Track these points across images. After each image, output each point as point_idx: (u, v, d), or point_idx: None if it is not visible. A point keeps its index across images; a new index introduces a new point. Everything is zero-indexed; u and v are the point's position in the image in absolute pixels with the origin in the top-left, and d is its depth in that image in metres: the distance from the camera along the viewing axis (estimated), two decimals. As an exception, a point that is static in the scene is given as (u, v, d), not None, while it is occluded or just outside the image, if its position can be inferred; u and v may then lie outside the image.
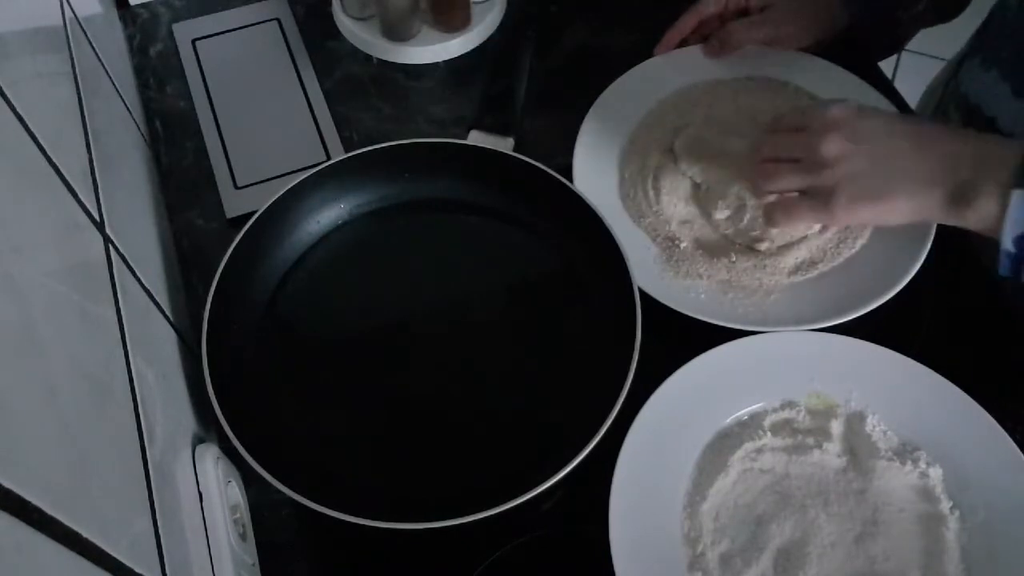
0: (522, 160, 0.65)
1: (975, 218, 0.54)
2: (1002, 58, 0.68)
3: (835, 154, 0.56)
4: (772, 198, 0.62)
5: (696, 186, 0.68)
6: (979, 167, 0.54)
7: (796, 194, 0.60)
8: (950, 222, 0.56)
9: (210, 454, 0.51)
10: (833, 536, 0.53)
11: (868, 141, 0.56)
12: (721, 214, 0.66)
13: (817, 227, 0.65)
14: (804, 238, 0.65)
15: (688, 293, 0.63)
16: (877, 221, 0.59)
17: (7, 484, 0.26)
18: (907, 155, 0.56)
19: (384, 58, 0.82)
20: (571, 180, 0.65)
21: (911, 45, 0.83)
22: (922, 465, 0.55)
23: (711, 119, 0.72)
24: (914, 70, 1.02)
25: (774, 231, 0.64)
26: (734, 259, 0.64)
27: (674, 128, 0.72)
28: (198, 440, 0.53)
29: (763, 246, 0.64)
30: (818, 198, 0.57)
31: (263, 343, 0.61)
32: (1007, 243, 0.53)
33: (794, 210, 0.59)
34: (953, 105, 0.75)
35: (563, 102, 0.75)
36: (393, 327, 0.63)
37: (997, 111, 0.68)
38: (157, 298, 0.57)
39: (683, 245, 0.66)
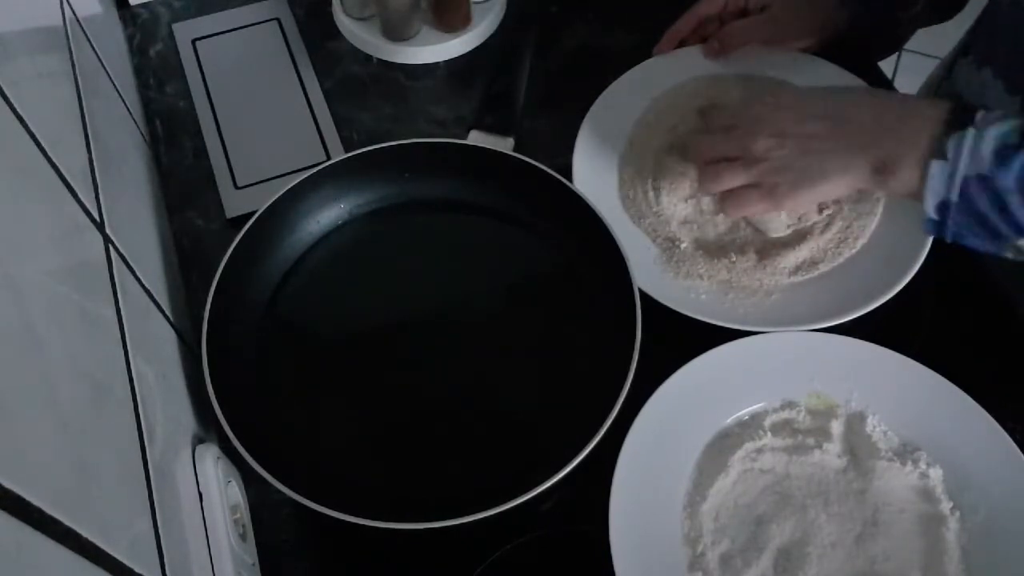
0: (522, 160, 0.65)
1: (899, 187, 0.56)
2: (995, 56, 0.68)
3: (764, 149, 0.60)
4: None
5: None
6: (900, 138, 0.56)
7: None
8: (880, 191, 0.62)
9: (210, 454, 0.51)
10: (833, 536, 0.53)
11: (791, 129, 0.60)
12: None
13: (819, 229, 0.65)
14: (805, 238, 0.65)
15: (688, 293, 0.63)
16: (821, 199, 0.62)
17: (7, 484, 0.26)
18: (830, 135, 0.58)
19: (384, 58, 0.82)
20: (571, 180, 0.65)
21: (910, 45, 0.83)
22: (922, 465, 0.55)
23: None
24: (914, 70, 1.02)
25: (782, 217, 0.66)
26: (734, 259, 0.64)
27: (673, 127, 0.72)
28: (198, 440, 0.53)
29: (774, 231, 0.66)
30: (762, 188, 0.61)
31: (263, 343, 0.61)
32: (929, 211, 0.55)
33: (743, 201, 0.62)
34: None
35: (563, 102, 0.75)
36: (393, 327, 0.63)
37: (991, 108, 0.68)
38: (157, 298, 0.57)
39: (683, 245, 0.66)
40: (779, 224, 0.66)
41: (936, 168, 0.53)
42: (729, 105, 0.71)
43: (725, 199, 0.63)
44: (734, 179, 0.62)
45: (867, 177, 0.57)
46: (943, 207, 0.54)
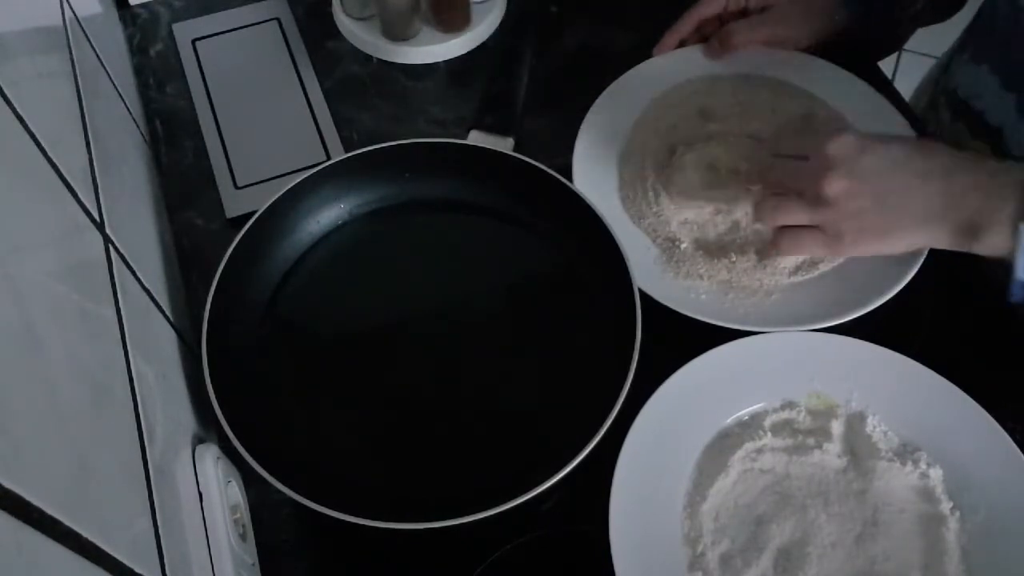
0: (522, 160, 0.65)
1: (985, 250, 0.54)
2: (991, 52, 0.68)
3: (837, 193, 0.56)
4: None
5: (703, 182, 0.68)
6: (986, 199, 0.54)
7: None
8: (965, 249, 0.56)
9: (210, 454, 0.51)
10: (833, 536, 0.53)
11: (871, 178, 0.56)
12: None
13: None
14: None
15: (688, 294, 0.63)
16: (884, 252, 0.59)
17: (7, 484, 0.26)
18: (912, 190, 0.56)
19: (384, 58, 0.82)
20: (571, 180, 0.65)
21: (910, 44, 0.83)
22: (922, 466, 0.55)
23: (712, 130, 0.72)
24: (914, 70, 1.02)
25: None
26: (734, 259, 0.64)
27: (673, 127, 0.72)
28: (198, 440, 0.53)
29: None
30: (826, 233, 0.58)
31: (263, 343, 0.61)
32: (1021, 273, 0.53)
33: (802, 242, 0.59)
34: (944, 100, 0.76)
35: (563, 102, 0.75)
36: (393, 327, 0.63)
37: (987, 105, 0.68)
38: (157, 298, 0.57)
39: (683, 246, 0.66)
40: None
41: None
42: (802, 129, 0.66)
43: (782, 236, 0.60)
44: (796, 217, 0.58)
45: (946, 238, 0.55)
46: None
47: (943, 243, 0.56)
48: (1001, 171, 0.55)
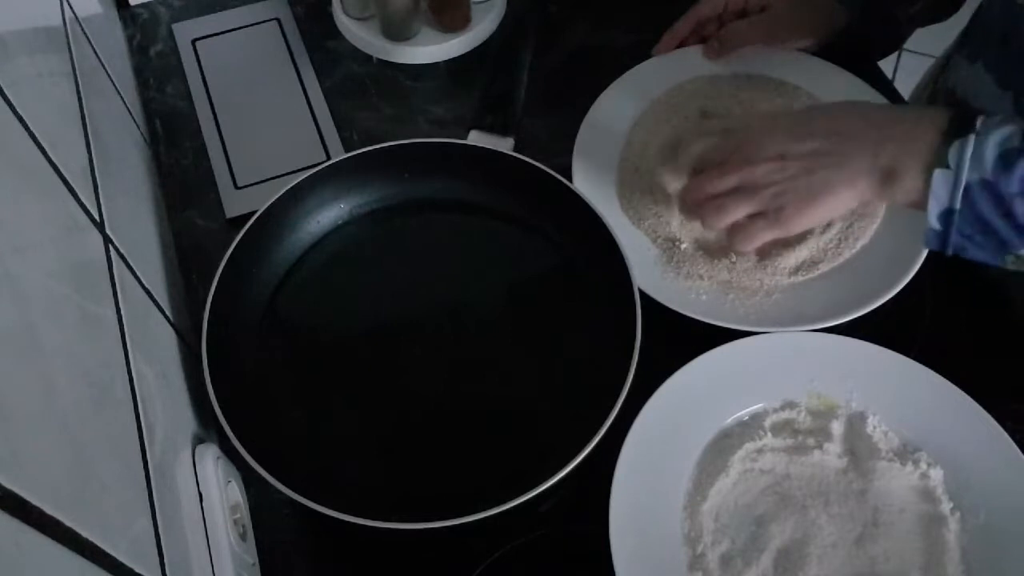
0: (522, 160, 0.65)
1: (903, 196, 0.55)
2: (987, 51, 0.69)
3: (766, 174, 0.58)
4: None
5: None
6: (901, 147, 0.55)
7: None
8: (884, 202, 0.59)
9: (210, 454, 0.51)
10: (834, 537, 0.53)
11: (791, 150, 0.58)
12: None
13: (819, 229, 0.65)
14: (805, 238, 0.65)
15: (689, 294, 0.63)
16: (827, 217, 0.61)
17: (7, 484, 0.26)
18: (832, 150, 0.57)
19: (384, 58, 0.82)
20: (571, 180, 0.65)
21: (910, 44, 0.83)
22: (923, 466, 0.55)
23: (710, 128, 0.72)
24: (914, 70, 1.02)
25: None
26: (735, 260, 0.64)
27: (673, 128, 0.72)
28: (198, 440, 0.53)
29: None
30: (768, 216, 0.59)
31: (263, 343, 0.61)
32: (932, 220, 0.54)
33: (752, 232, 0.60)
34: (942, 99, 0.76)
35: (563, 102, 0.75)
36: (393, 327, 0.63)
37: (983, 103, 0.69)
38: (157, 298, 0.57)
39: (683, 246, 0.66)
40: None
41: (939, 176, 0.53)
42: (718, 139, 0.67)
43: (733, 233, 0.61)
44: (738, 209, 0.59)
45: (874, 188, 0.56)
46: (946, 216, 0.54)
47: (871, 195, 0.57)
48: (919, 116, 0.56)
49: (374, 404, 0.59)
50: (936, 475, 0.55)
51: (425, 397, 0.60)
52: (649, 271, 0.64)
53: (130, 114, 0.72)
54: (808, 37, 0.75)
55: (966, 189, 0.52)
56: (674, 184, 0.67)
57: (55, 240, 0.40)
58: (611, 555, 0.51)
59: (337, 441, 0.58)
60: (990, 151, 0.52)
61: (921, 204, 0.54)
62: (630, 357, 0.54)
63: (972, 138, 0.52)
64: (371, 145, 0.65)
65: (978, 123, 0.53)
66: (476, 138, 0.72)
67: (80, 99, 0.54)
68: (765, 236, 0.60)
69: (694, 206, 0.63)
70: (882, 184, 0.56)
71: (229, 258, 0.59)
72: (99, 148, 0.53)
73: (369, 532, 0.49)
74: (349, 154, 0.65)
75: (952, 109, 0.55)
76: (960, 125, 0.53)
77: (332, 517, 0.49)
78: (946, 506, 0.54)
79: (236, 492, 0.54)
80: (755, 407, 0.58)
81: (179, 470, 0.48)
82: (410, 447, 0.58)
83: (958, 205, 0.53)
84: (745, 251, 0.63)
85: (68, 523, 0.30)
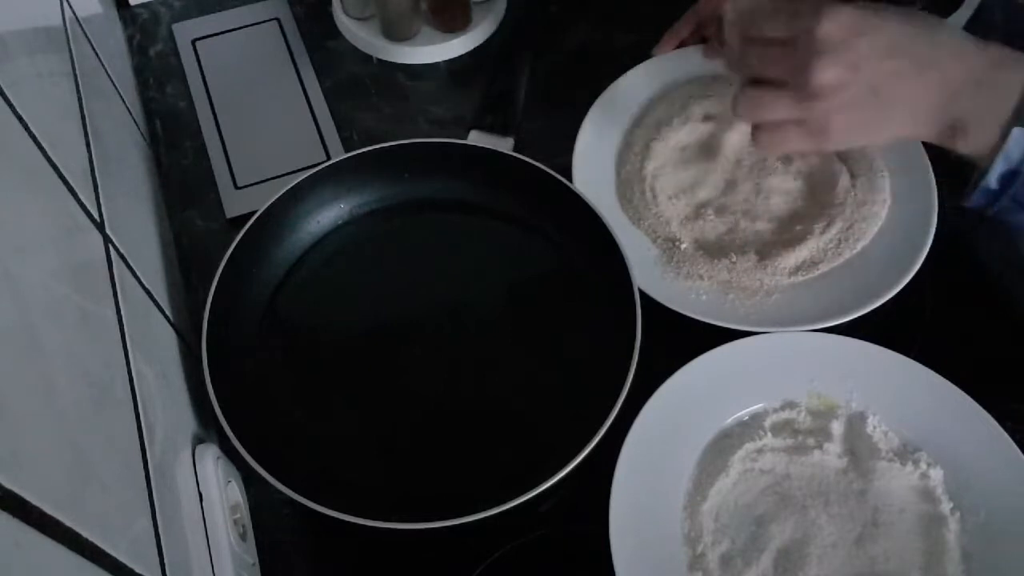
0: (522, 160, 0.65)
1: (967, 147, 0.51)
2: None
3: (828, 84, 0.49)
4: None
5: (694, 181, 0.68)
6: (982, 97, 0.50)
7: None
8: (943, 144, 0.52)
9: (210, 454, 0.51)
10: (834, 537, 0.53)
11: (866, 66, 0.49)
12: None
13: (819, 229, 0.65)
14: (805, 238, 0.65)
15: (689, 294, 0.63)
16: (868, 143, 0.55)
17: (7, 484, 0.26)
18: (908, 81, 0.50)
19: (384, 58, 0.82)
20: (571, 180, 0.65)
21: (911, 45, 0.82)
22: (923, 466, 0.55)
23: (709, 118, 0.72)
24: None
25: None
26: (734, 260, 0.64)
27: (672, 127, 0.72)
28: (198, 440, 0.53)
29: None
30: (811, 127, 0.52)
31: (263, 343, 0.61)
32: (992, 180, 0.50)
33: (785, 138, 0.53)
34: None
35: (563, 102, 0.75)
36: (393, 327, 0.63)
37: None
38: (157, 298, 0.57)
39: (683, 246, 0.66)
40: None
41: (1017, 135, 0.48)
42: (785, 8, 0.53)
43: (761, 132, 0.54)
44: (779, 111, 0.52)
45: (934, 133, 0.51)
46: (1009, 176, 0.50)
47: (929, 136, 0.52)
48: (1005, 63, 0.50)
49: (374, 404, 0.59)
50: (936, 475, 0.55)
51: (425, 397, 0.60)
52: (649, 271, 0.64)
53: (130, 114, 0.72)
54: None
55: None
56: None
57: (55, 240, 0.40)
58: (611, 555, 0.51)
59: (337, 441, 0.58)
60: None
61: (986, 157, 0.50)
62: (630, 357, 0.54)
63: None
64: (371, 145, 0.65)
65: None
66: (476, 138, 0.72)
67: (80, 99, 0.54)
68: (797, 148, 0.54)
69: (731, 67, 0.55)
70: (949, 131, 0.51)
71: (229, 258, 0.59)
72: (99, 148, 0.53)
73: (369, 532, 0.49)
74: (349, 154, 0.65)
75: None
76: None
77: (332, 517, 0.49)
78: (946, 506, 0.54)
79: (236, 492, 0.54)
80: (755, 407, 0.58)
81: (179, 470, 0.48)
82: (410, 447, 0.58)
83: None
84: (766, 153, 0.56)
85: (68, 523, 0.30)
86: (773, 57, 0.52)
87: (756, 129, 0.54)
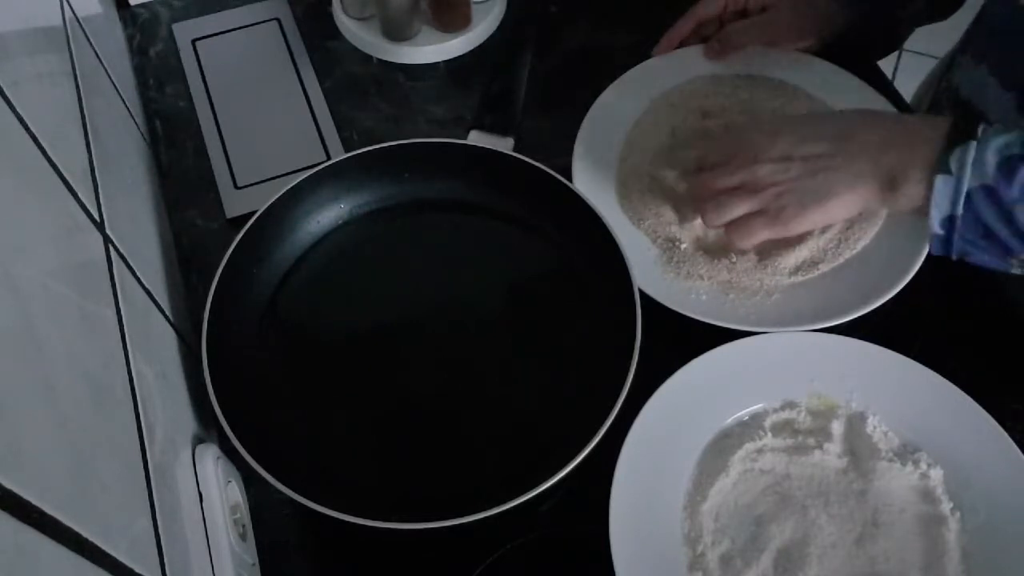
0: (522, 160, 0.65)
1: (905, 203, 0.56)
2: (991, 52, 0.69)
3: (769, 174, 0.59)
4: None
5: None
6: (904, 154, 0.55)
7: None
8: (887, 208, 0.60)
9: (210, 454, 0.51)
10: (834, 537, 0.53)
11: (795, 152, 0.59)
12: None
13: (819, 230, 0.65)
14: (805, 238, 0.65)
15: (689, 294, 0.63)
16: (827, 221, 0.61)
17: (7, 484, 0.26)
18: (836, 155, 0.58)
19: (384, 58, 0.82)
20: (571, 180, 0.65)
21: (911, 44, 0.83)
22: (923, 466, 0.55)
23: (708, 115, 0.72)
24: (914, 70, 1.02)
25: None
26: (735, 260, 0.64)
27: (673, 128, 0.72)
28: (198, 440, 0.53)
29: None
30: (768, 214, 0.59)
31: (263, 343, 0.61)
32: (935, 226, 0.55)
33: (751, 229, 0.60)
34: (946, 99, 0.76)
35: (563, 102, 0.75)
36: (393, 327, 0.63)
37: (987, 104, 0.69)
38: (157, 298, 0.57)
39: (683, 246, 0.66)
40: None
41: (940, 183, 0.53)
42: (720, 137, 0.69)
43: (732, 230, 0.61)
44: (739, 208, 0.60)
45: (875, 194, 0.57)
46: (949, 222, 0.54)
47: (874, 200, 0.57)
48: (922, 125, 0.57)
49: (374, 404, 0.59)
50: (936, 475, 0.55)
51: (425, 397, 0.60)
52: (649, 271, 0.64)
53: (130, 114, 0.72)
54: (808, 37, 0.75)
55: (968, 195, 0.52)
56: (672, 181, 0.67)
57: (55, 240, 0.40)
58: (611, 555, 0.51)
59: (337, 441, 0.58)
60: (991, 157, 0.52)
61: (924, 210, 0.55)
62: (630, 357, 0.54)
63: (973, 144, 0.52)
64: (371, 145, 0.65)
65: (980, 130, 0.53)
66: (476, 138, 0.72)
67: (80, 99, 0.54)
68: (764, 235, 0.60)
69: (696, 202, 0.63)
70: (885, 190, 0.56)
71: (229, 258, 0.59)
72: (99, 148, 0.53)
73: (369, 532, 0.49)
74: (349, 154, 0.65)
75: (953, 117, 0.55)
76: (962, 131, 0.53)
77: (332, 517, 0.49)
78: (946, 506, 0.54)
79: (236, 492, 0.54)
80: (755, 407, 0.58)
81: (179, 470, 0.48)
82: (410, 447, 0.58)
83: (960, 211, 0.53)
84: (744, 248, 0.63)
85: (68, 523, 0.30)
86: (722, 172, 0.61)
87: (728, 231, 0.62)
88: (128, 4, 0.85)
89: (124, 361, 0.44)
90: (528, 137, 0.74)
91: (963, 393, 0.56)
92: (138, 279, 0.53)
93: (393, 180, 0.67)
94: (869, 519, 0.54)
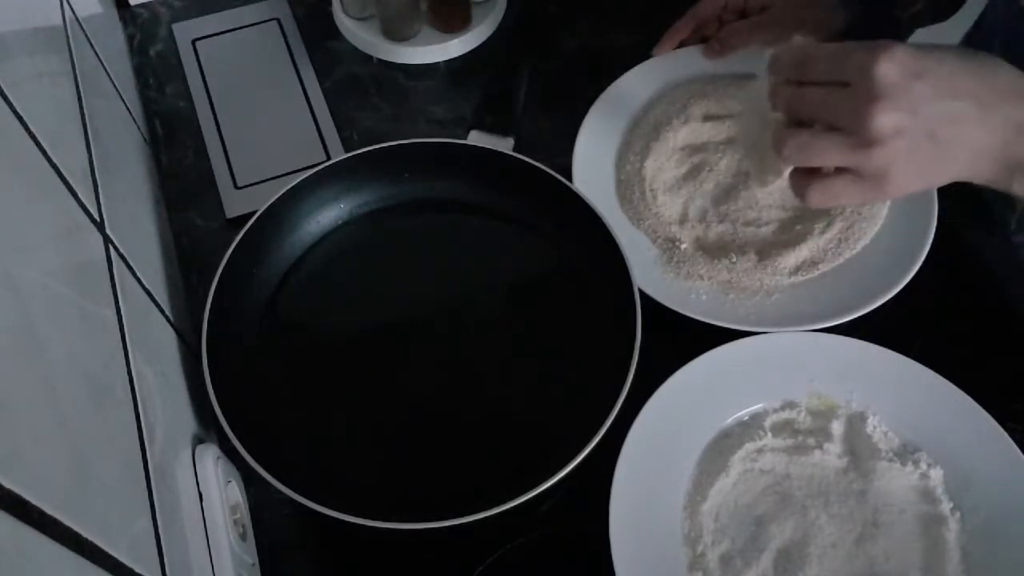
0: (522, 160, 0.65)
1: (1021, 189, 0.49)
2: (991, 53, 0.68)
3: (890, 129, 0.46)
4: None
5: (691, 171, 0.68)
6: None
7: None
8: (997, 186, 0.50)
9: (210, 454, 0.51)
10: (833, 537, 0.53)
11: (925, 109, 0.46)
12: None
13: (819, 229, 0.65)
14: (805, 238, 0.65)
15: (689, 294, 0.63)
16: (925, 188, 0.52)
17: (7, 484, 0.26)
18: (968, 124, 0.47)
19: (384, 58, 0.82)
20: (571, 180, 0.65)
21: (911, 45, 0.83)
22: (923, 466, 0.55)
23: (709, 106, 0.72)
24: (914, 70, 1.02)
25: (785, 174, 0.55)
26: (734, 260, 0.64)
27: (672, 127, 0.72)
28: (198, 440, 0.53)
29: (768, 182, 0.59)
30: (867, 176, 0.48)
31: (263, 343, 0.61)
32: None
33: (840, 191, 0.49)
34: None
35: (563, 102, 0.75)
36: (393, 327, 0.63)
37: None
38: (157, 298, 0.57)
39: (683, 246, 0.66)
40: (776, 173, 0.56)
41: None
42: (834, 50, 0.49)
43: (810, 182, 0.50)
44: (831, 157, 0.48)
45: (994, 174, 0.49)
46: None
47: (985, 179, 0.49)
48: None
49: (374, 404, 0.59)
50: (936, 475, 0.55)
51: (425, 397, 0.60)
52: (649, 271, 0.64)
53: (130, 114, 0.72)
54: (808, 37, 0.75)
55: None
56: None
57: (55, 240, 0.40)
58: (611, 555, 0.51)
59: (337, 441, 0.58)
60: None
61: None
62: (630, 357, 0.54)
63: None
64: (371, 145, 0.65)
65: None
66: (476, 138, 0.72)
67: (80, 99, 0.54)
68: (853, 200, 0.51)
69: (787, 113, 0.51)
70: (1005, 172, 0.49)
71: (229, 258, 0.59)
72: (99, 148, 0.53)
73: (369, 532, 0.49)
74: (349, 154, 0.65)
75: None
76: None
77: (332, 517, 0.49)
78: (946, 506, 0.54)
79: (236, 492, 0.54)
80: (755, 407, 0.58)
81: (179, 470, 0.48)
82: (410, 447, 0.58)
83: None
84: (816, 206, 0.52)
85: (68, 523, 0.30)
86: (827, 100, 0.48)
87: (802, 181, 0.50)
88: (128, 4, 0.85)
89: (124, 361, 0.44)
90: (528, 137, 0.74)
91: (963, 393, 0.56)
92: (138, 279, 0.53)
93: (393, 180, 0.67)
94: (869, 519, 0.54)
